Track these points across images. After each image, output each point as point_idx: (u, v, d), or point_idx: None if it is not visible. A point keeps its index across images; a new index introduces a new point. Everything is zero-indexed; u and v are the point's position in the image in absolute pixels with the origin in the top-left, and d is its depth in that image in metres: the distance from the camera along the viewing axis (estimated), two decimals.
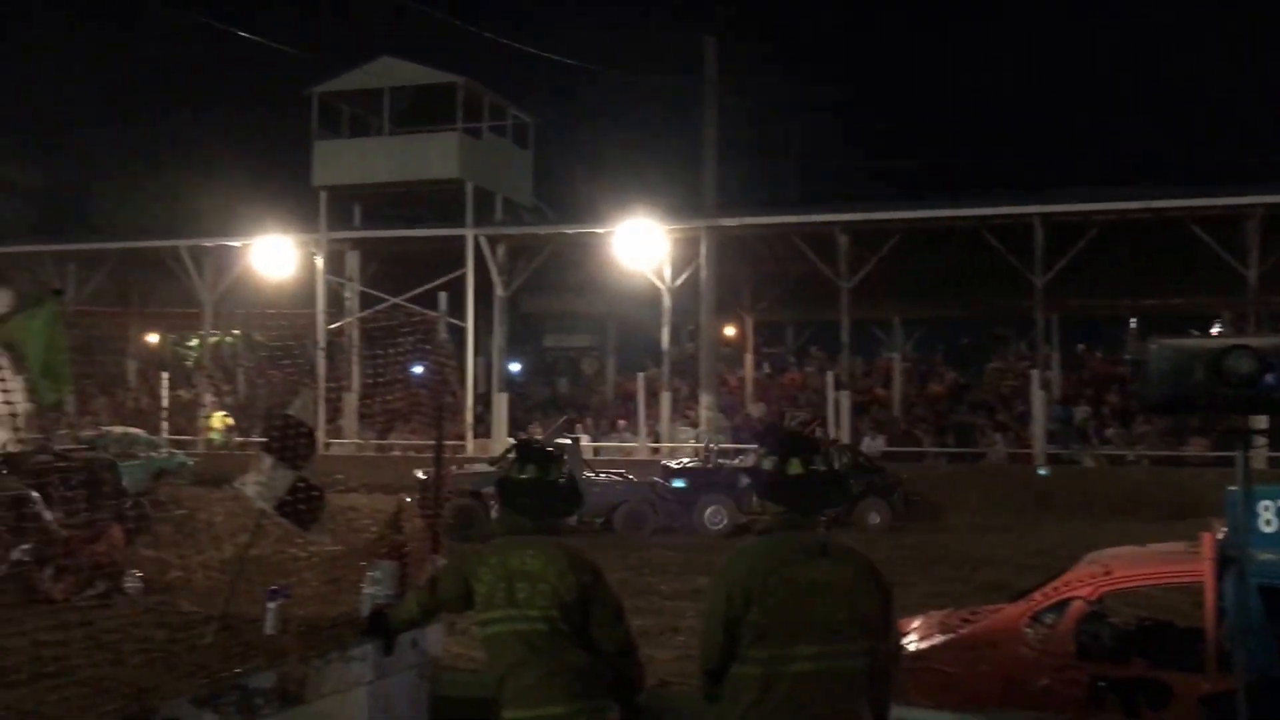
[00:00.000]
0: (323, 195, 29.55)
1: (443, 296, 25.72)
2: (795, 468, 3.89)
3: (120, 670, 4.54)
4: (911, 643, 7.05)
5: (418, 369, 7.92)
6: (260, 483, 5.18)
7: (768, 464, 3.95)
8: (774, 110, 47.36)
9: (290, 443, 5.24)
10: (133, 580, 6.49)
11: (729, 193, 28.46)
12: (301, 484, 5.26)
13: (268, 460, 5.20)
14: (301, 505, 5.27)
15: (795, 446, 3.97)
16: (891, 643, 3.98)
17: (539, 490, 4.51)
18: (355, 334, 26.61)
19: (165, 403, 27.66)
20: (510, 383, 31.47)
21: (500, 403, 28.17)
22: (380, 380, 7.56)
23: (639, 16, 57.36)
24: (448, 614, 5.11)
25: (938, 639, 7.11)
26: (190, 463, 22.05)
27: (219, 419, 27.69)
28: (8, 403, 5.84)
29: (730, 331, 35.72)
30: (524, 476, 4.52)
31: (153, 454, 21.34)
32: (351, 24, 52.29)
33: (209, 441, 27.03)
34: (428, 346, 6.77)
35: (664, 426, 27.23)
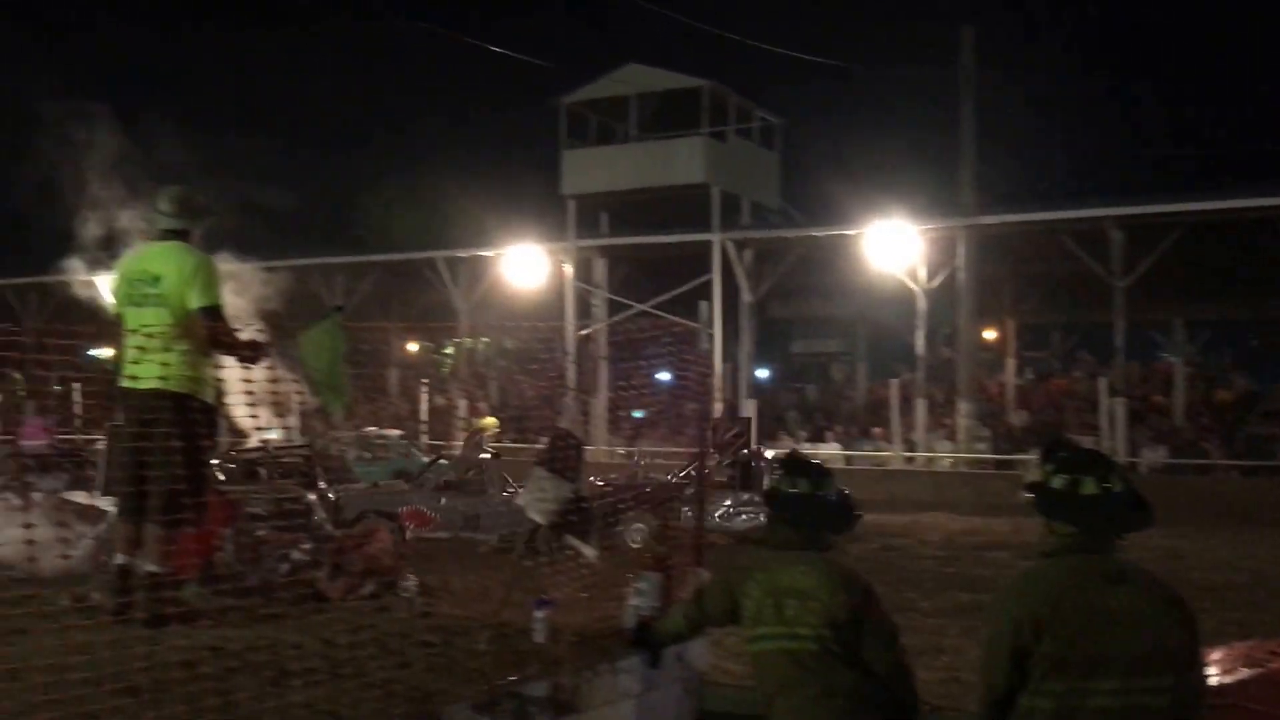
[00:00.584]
0: (571, 204, 30.13)
1: (703, 305, 25.81)
2: (1089, 487, 3.56)
3: (406, 674, 4.61)
4: (1213, 678, 6.49)
5: (664, 375, 7.86)
6: (536, 499, 5.22)
7: (1058, 481, 3.63)
8: (1036, 101, 45.47)
9: (563, 454, 5.26)
10: (408, 584, 6.63)
11: (988, 189, 27.38)
12: (575, 496, 5.27)
13: (542, 473, 5.23)
14: (574, 517, 5.28)
15: (1090, 464, 3.63)
16: (1196, 678, 3.60)
17: (812, 506, 4.36)
18: (603, 340, 27.01)
19: (424, 409, 28.75)
20: (758, 389, 31.30)
21: (749, 410, 28.04)
22: (630, 387, 7.56)
23: (891, 9, 56.13)
24: (713, 628, 4.99)
25: (1244, 673, 6.51)
26: (445, 464, 22.79)
27: (488, 424, 28.58)
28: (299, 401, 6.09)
29: (990, 335, 34.49)
30: (796, 491, 4.38)
31: (395, 456, 22.16)
32: (598, 33, 53.30)
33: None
34: (689, 356, 6.68)
35: (919, 435, 26.47)
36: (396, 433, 23.91)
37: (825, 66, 33.67)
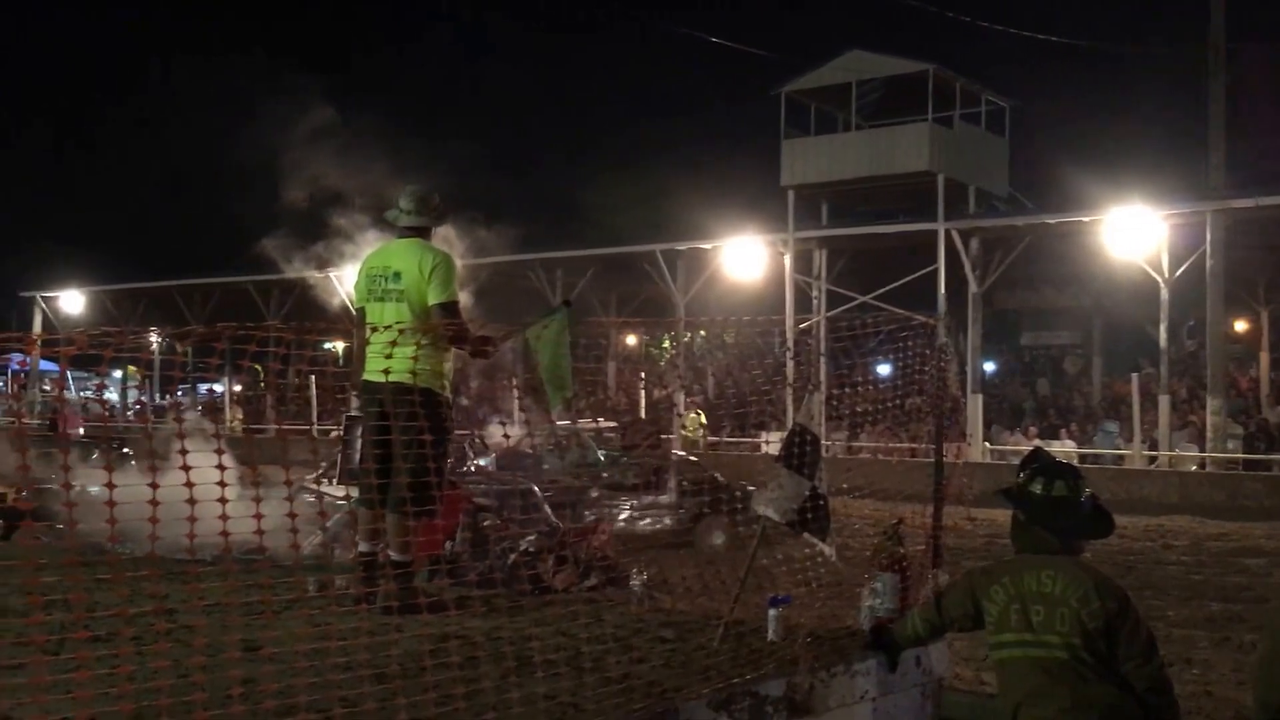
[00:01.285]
0: (790, 194, 29.85)
1: (941, 298, 25.16)
2: None
3: (642, 668, 4.61)
4: None
5: (884, 368, 7.64)
6: (774, 496, 5.14)
7: None
8: None
9: (800, 451, 5.16)
10: (638, 579, 6.64)
11: (1239, 171, 25.66)
12: (812, 493, 5.17)
13: (783, 471, 5.15)
14: (811, 515, 5.18)
15: None
16: None
17: (1069, 510, 4.13)
18: (822, 333, 26.67)
19: (643, 402, 29.01)
20: (985, 384, 30.36)
21: (975, 405, 27.22)
22: (850, 380, 7.40)
23: None
24: (953, 633, 4.81)
25: None
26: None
27: (693, 419, 28.74)
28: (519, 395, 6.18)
29: (1241, 327, 32.51)
30: (1052, 494, 4.15)
31: (585, 450, 22.29)
32: (819, 21, 52.79)
33: (685, 439, 28.05)
34: (925, 350, 6.46)
35: (1162, 434, 25.10)
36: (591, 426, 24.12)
37: (1058, 45, 32.28)
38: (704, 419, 28.79)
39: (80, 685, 3.49)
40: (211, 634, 4.39)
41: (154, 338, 25.35)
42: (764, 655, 4.94)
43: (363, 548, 5.94)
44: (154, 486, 3.88)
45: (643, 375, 30.37)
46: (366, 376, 5.89)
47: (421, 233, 6.12)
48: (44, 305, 43.66)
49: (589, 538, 9.40)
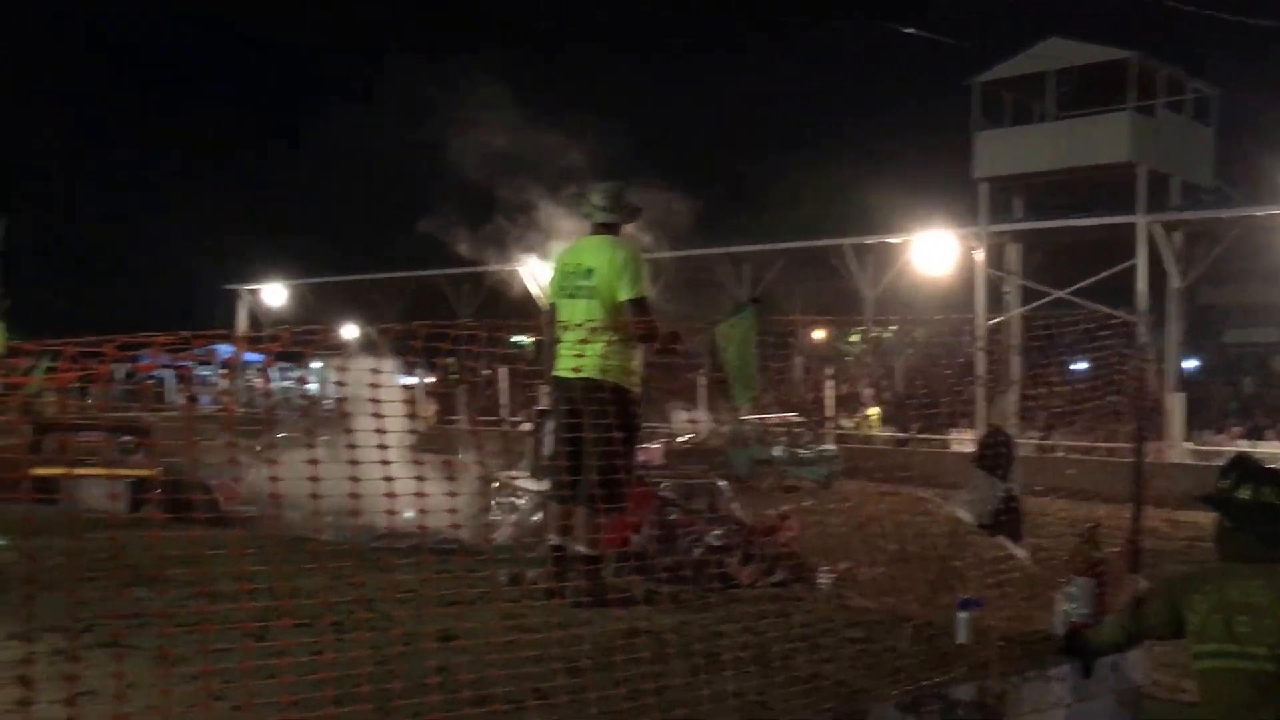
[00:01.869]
0: (983, 187, 29.11)
1: (1141, 293, 24.20)
2: None
3: (830, 668, 4.56)
4: None
5: (1080, 365, 7.38)
6: (970, 499, 5.04)
7: None
8: None
9: (994, 452, 5.04)
10: (825, 578, 6.57)
11: None
12: (1006, 495, 5.04)
13: (978, 473, 5.04)
14: (1005, 518, 5.05)
15: None
16: None
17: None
18: (1016, 329, 25.93)
19: (829, 398, 28.73)
20: (1186, 382, 29.03)
21: (1176, 404, 26.05)
22: (1045, 379, 7.17)
23: None
24: (1152, 641, 4.65)
25: None
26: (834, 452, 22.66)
27: (874, 414, 28.36)
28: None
29: None
30: (1262, 499, 3.95)
31: (757, 446, 22.09)
32: (1014, 7, 51.27)
33: (866, 435, 27.71)
34: (1127, 348, 6.22)
35: None
36: (761, 421, 23.92)
37: (1269, 30, 30.60)
38: (878, 415, 28.41)
39: (284, 670, 3.64)
40: (409, 623, 4.52)
41: (352, 333, 26.27)
42: (954, 658, 4.84)
43: (553, 541, 6.04)
44: (354, 480, 4.03)
45: (830, 371, 30.10)
46: (557, 372, 5.99)
47: (613, 229, 6.17)
48: (248, 297, 45.78)
49: (775, 533, 9.37)
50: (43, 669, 3.40)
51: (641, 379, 6.03)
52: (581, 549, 5.80)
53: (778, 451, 22.06)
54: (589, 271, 5.97)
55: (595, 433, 5.58)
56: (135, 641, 4.06)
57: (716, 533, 9.11)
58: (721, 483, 12.78)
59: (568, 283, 6.07)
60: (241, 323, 44.10)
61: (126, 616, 4.06)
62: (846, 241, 31.38)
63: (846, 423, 28.89)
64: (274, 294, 44.90)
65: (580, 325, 5.65)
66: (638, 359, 5.98)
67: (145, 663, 3.88)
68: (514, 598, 5.53)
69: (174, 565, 4.65)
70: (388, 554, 6.23)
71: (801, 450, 22.57)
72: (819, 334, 38.29)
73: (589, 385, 5.72)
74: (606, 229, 6.15)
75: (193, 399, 7.15)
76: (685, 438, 20.12)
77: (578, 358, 5.55)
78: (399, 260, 39.87)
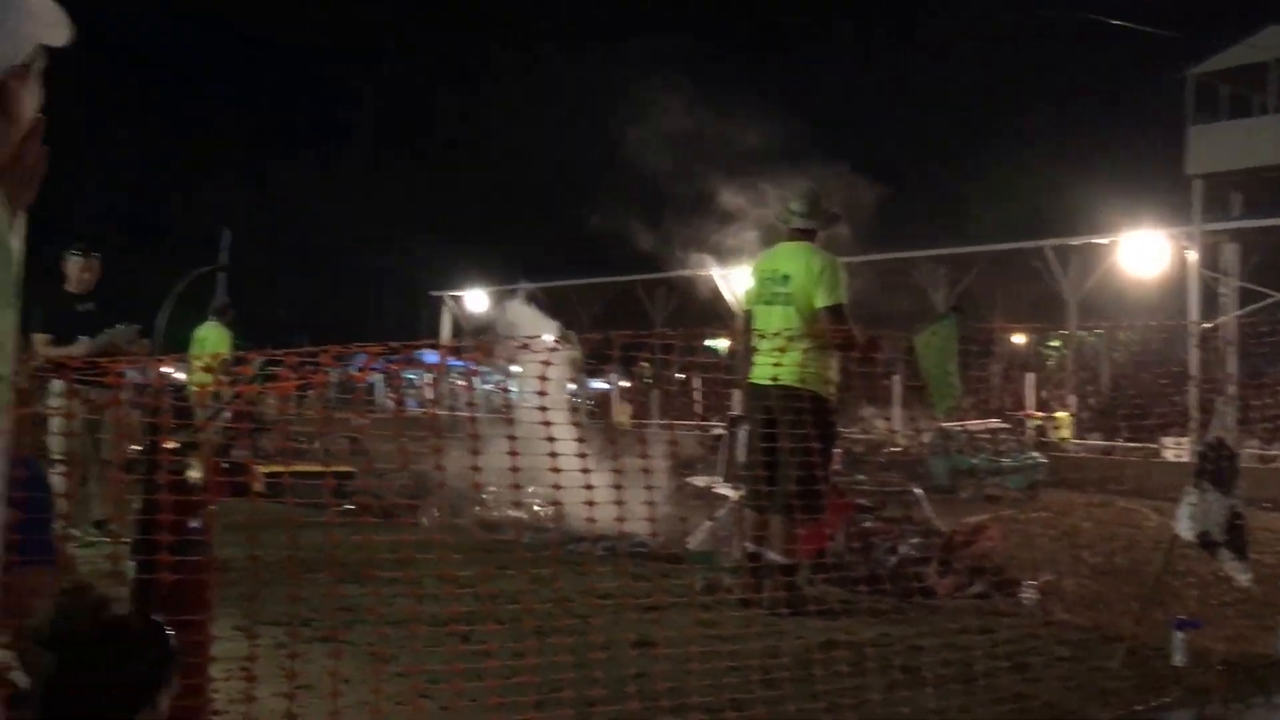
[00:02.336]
0: (1197, 184, 27.73)
1: None
2: None
3: (1035, 688, 4.40)
4: None
5: None
6: (1191, 512, 4.79)
7: None
8: None
9: (1217, 465, 4.79)
10: (1030, 592, 6.34)
11: None
12: (1232, 512, 4.77)
13: (1202, 486, 4.79)
14: (1228, 534, 4.78)
15: None
16: None
17: None
18: (1233, 334, 24.62)
19: (1028, 404, 27.87)
20: None
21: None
22: (1272, 386, 6.77)
23: None
24: None
25: None
26: (1040, 460, 21.86)
27: (1063, 419, 27.34)
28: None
29: None
30: None
31: (957, 455, 21.40)
32: None
33: (1058, 442, 26.72)
34: None
35: None
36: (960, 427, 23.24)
37: None
38: (1068, 420, 27.39)
39: (489, 672, 3.72)
40: (606, 626, 4.56)
41: (550, 338, 26.68)
42: (1170, 681, 4.61)
43: (750, 549, 6.02)
44: (556, 486, 4.10)
45: (1031, 376, 29.19)
46: (754, 379, 5.96)
47: (810, 235, 6.13)
48: (451, 304, 47.10)
49: (974, 543, 9.10)
50: (264, 663, 3.55)
51: (838, 386, 5.97)
52: (778, 557, 5.76)
53: (979, 460, 21.45)
54: (786, 278, 5.94)
55: (792, 441, 5.54)
56: (349, 637, 4.22)
57: (913, 542, 8.92)
58: (917, 491, 12.51)
59: (765, 289, 6.05)
60: (445, 329, 45.43)
61: (341, 612, 4.22)
62: (1049, 243, 30.32)
63: (1036, 427, 27.91)
64: (476, 300, 46.06)
65: (777, 333, 5.62)
66: (834, 366, 5.93)
67: (358, 658, 4.02)
68: (709, 605, 5.53)
69: (384, 564, 4.81)
70: (585, 557, 6.30)
71: (1004, 458, 21.91)
72: (1019, 338, 37.20)
73: (787, 393, 5.68)
74: (804, 235, 6.11)
75: (401, 403, 7.39)
76: (881, 446, 19.78)
77: (775, 365, 5.51)
78: (596, 266, 40.46)
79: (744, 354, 6.15)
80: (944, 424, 19.47)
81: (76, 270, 7.76)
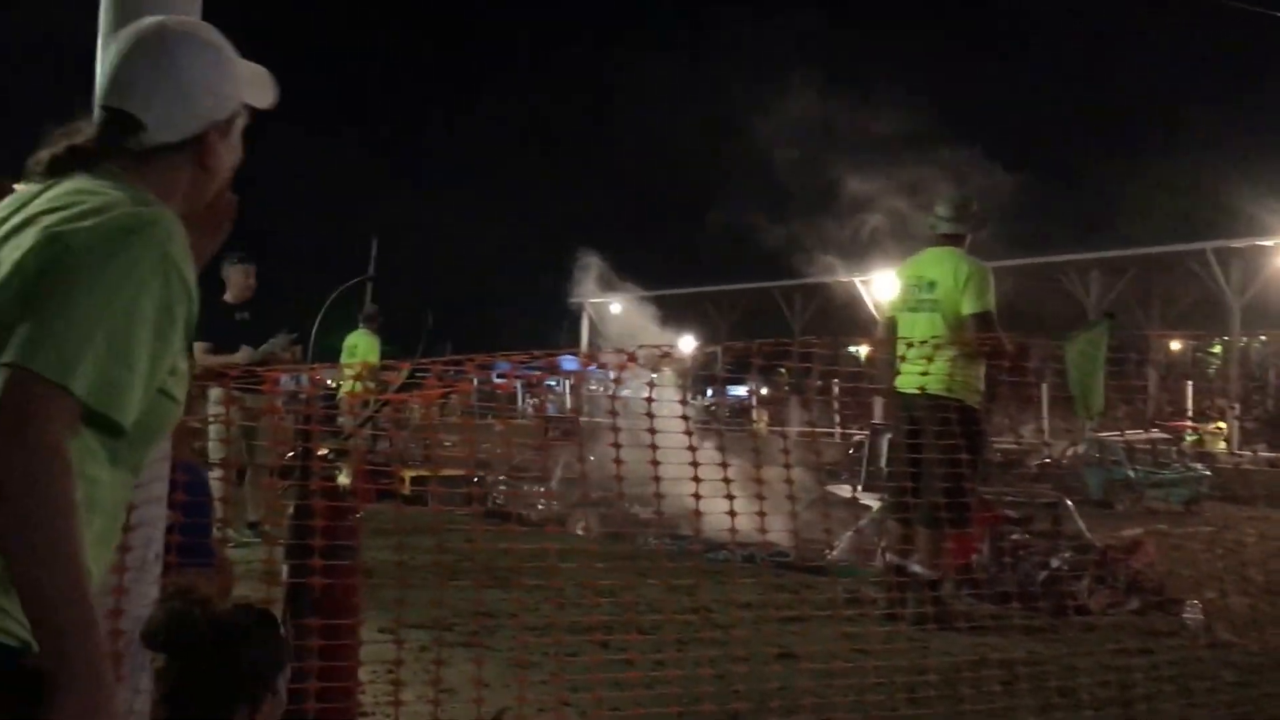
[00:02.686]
0: None
1: None
2: None
3: (1200, 713, 4.21)
4: None
5: None
6: None
7: None
8: None
9: None
10: (1193, 611, 6.06)
11: None
12: None
13: None
14: None
15: None
16: None
17: None
18: None
19: (1189, 412, 26.87)
20: None
21: None
22: None
23: None
24: None
25: None
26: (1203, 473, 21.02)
27: (1221, 430, 26.23)
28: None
29: None
30: None
31: (1114, 466, 20.63)
32: None
33: (1217, 453, 25.65)
34: None
35: None
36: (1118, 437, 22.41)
37: None
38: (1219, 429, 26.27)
39: (630, 682, 3.70)
40: (747, 636, 4.51)
41: (689, 346, 26.79)
42: None
43: (893, 560, 5.90)
44: (696, 496, 4.06)
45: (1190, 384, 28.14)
46: (900, 388, 5.84)
47: (956, 240, 6.01)
48: (590, 311, 47.45)
49: (1131, 556, 8.77)
50: (409, 667, 3.60)
51: (983, 395, 5.83)
52: (922, 569, 5.64)
53: (1136, 472, 20.73)
54: (932, 284, 5.84)
55: (940, 451, 5.40)
56: (491, 642, 4.24)
57: (1064, 556, 8.64)
58: (1068, 502, 12.13)
59: (909, 296, 5.95)
60: (584, 337, 45.83)
61: (483, 618, 4.25)
62: (1209, 245, 29.16)
63: (1193, 439, 26.84)
64: (615, 308, 46.27)
65: (924, 340, 5.50)
66: (981, 375, 5.79)
67: (500, 664, 4.05)
68: (853, 617, 5.43)
69: (527, 570, 4.82)
70: (727, 566, 6.25)
71: (1163, 470, 21.14)
72: (1176, 345, 35.89)
73: (934, 402, 5.55)
74: (950, 240, 5.99)
75: (543, 410, 7.45)
76: (1029, 456, 19.24)
77: (922, 374, 5.39)
78: (734, 272, 40.44)
79: (887, 362, 6.04)
80: (1100, 434, 18.87)
81: (239, 278, 7.97)
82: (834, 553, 8.96)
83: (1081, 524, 11.52)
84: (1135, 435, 20.86)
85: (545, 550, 4.27)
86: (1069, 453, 19.71)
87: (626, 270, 45.34)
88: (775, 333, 5.03)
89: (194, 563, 2.47)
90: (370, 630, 3.73)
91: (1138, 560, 8.70)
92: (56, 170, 1.59)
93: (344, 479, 3.43)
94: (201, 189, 1.68)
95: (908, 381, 5.67)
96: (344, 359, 10.57)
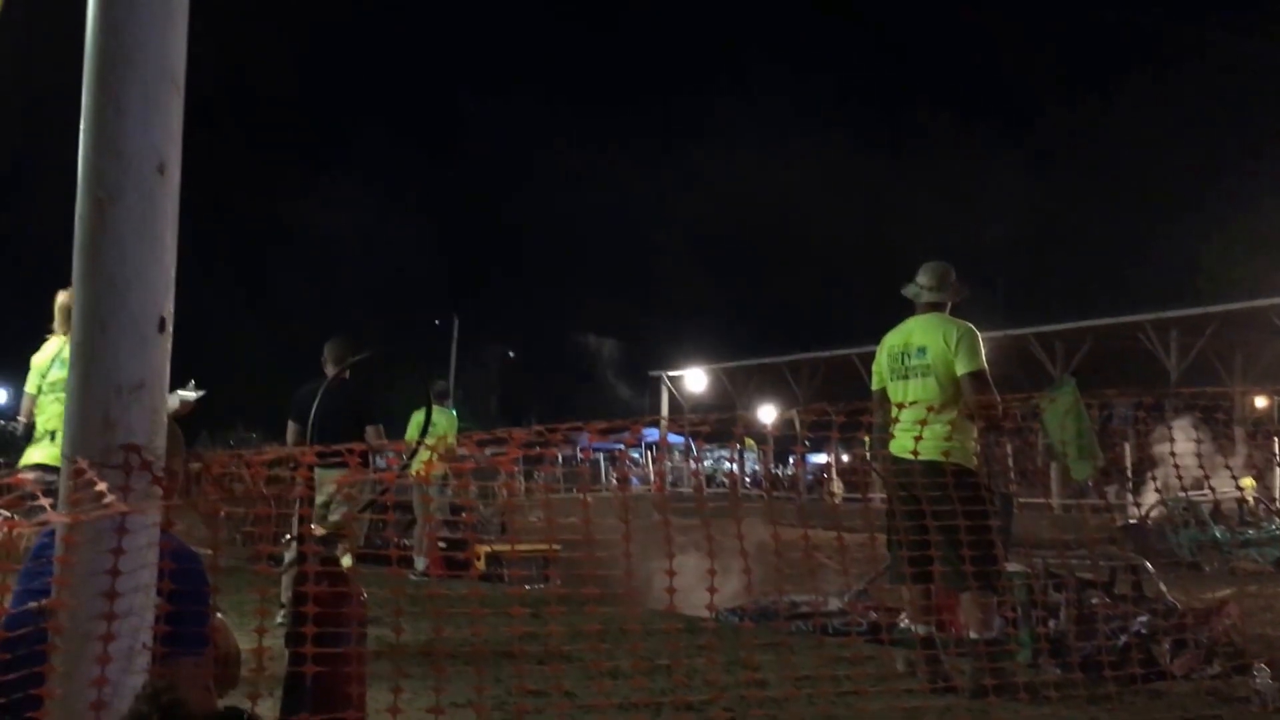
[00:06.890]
0: None
1: None
2: None
3: None
4: None
5: None
6: None
7: None
8: None
9: None
10: (1262, 674, 5.86)
11: None
12: None
13: None
14: None
15: None
16: None
17: None
18: None
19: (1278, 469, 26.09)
20: None
21: None
22: None
23: None
24: None
25: None
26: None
27: (1248, 485, 25.43)
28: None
29: None
30: None
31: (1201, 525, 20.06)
32: None
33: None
34: None
35: None
36: (1200, 496, 21.83)
37: None
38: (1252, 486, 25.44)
39: None
40: (802, 712, 4.47)
41: (768, 415, 26.74)
42: None
43: (918, 629, 5.84)
44: (746, 565, 4.03)
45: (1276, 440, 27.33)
46: (894, 453, 5.77)
47: (939, 308, 6.18)
48: (669, 383, 47.55)
49: (1213, 618, 8.54)
50: None
51: (978, 456, 5.85)
52: (973, 634, 5.57)
53: (1222, 532, 20.21)
54: (922, 350, 5.99)
55: (944, 519, 5.29)
56: None
57: (1142, 619, 8.44)
58: (1148, 565, 11.86)
59: (897, 365, 6.09)
60: (665, 408, 45.90)
61: (531, 693, 4.26)
62: None
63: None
64: (694, 379, 46.40)
65: (915, 402, 5.56)
66: (975, 436, 5.86)
67: None
68: (912, 689, 5.35)
69: (580, 643, 4.82)
70: (783, 635, 6.20)
71: (1251, 530, 20.59)
72: (1262, 401, 34.99)
73: (932, 468, 5.49)
74: (934, 308, 6.17)
75: (624, 480, 7.51)
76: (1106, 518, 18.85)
77: (916, 439, 5.29)
78: (813, 340, 40.44)
79: (880, 429, 6.01)
80: (1190, 494, 18.44)
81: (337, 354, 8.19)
82: (900, 621, 8.84)
83: (1163, 586, 11.25)
84: (1224, 495, 20.36)
85: (604, 631, 4.24)
86: (1153, 514, 19.29)
87: (704, 341, 45.63)
88: (857, 398, 5.05)
89: (185, 652, 2.47)
90: (417, 709, 3.73)
91: (1219, 623, 8.47)
92: None
93: (347, 561, 3.42)
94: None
95: (902, 445, 5.58)
96: (410, 435, 10.69)
